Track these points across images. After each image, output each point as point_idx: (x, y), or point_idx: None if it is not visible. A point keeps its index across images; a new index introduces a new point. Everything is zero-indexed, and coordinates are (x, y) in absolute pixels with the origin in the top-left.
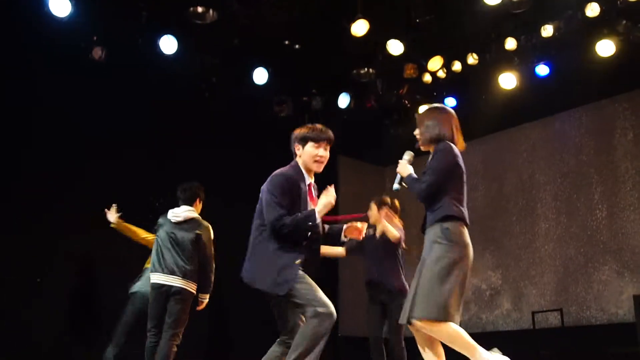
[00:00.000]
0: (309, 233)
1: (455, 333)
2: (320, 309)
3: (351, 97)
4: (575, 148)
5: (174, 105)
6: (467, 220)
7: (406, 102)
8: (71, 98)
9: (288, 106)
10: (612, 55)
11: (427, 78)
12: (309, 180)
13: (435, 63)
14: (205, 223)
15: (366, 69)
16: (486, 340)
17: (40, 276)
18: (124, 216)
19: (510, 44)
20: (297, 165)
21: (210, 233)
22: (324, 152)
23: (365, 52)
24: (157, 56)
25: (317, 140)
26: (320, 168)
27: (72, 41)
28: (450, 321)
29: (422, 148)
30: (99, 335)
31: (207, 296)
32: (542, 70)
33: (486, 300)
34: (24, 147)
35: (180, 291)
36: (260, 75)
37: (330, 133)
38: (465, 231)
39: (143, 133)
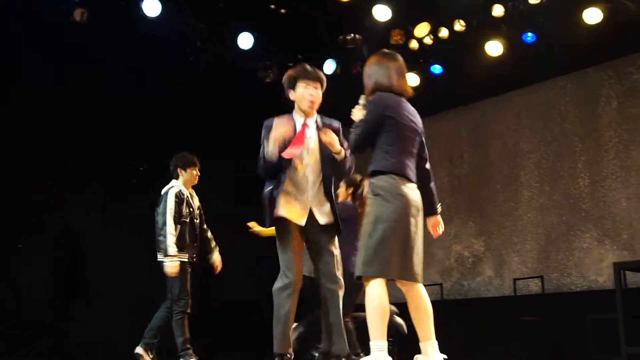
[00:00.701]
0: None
1: (376, 299)
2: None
3: (337, 64)
4: (560, 116)
5: (158, 69)
6: (403, 171)
7: None
8: (52, 61)
9: (273, 72)
10: (598, 23)
11: (414, 44)
12: (301, 119)
13: (422, 29)
14: (165, 190)
15: (352, 35)
16: (468, 306)
17: (24, 245)
18: (107, 178)
19: (498, 10)
20: (292, 111)
21: (163, 198)
22: (314, 92)
23: (352, 17)
24: (141, 19)
25: (305, 79)
26: (312, 109)
27: (52, 2)
28: (376, 276)
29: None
30: (82, 307)
31: (169, 260)
32: (529, 37)
33: (469, 267)
34: (2, 112)
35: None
36: (246, 40)
37: (320, 72)
38: (396, 182)
39: (125, 96)
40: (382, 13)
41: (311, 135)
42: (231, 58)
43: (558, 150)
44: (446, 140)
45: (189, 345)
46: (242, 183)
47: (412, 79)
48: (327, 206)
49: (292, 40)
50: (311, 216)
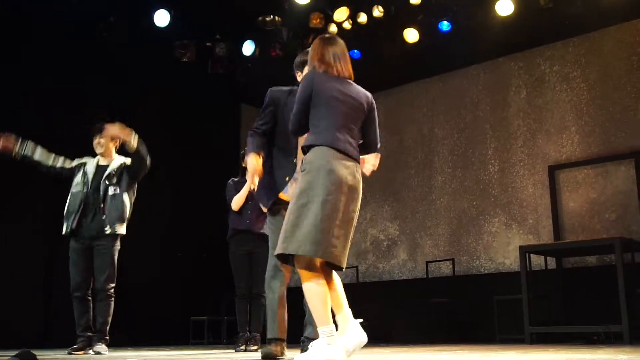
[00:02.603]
0: None
1: (314, 285)
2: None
3: (256, 45)
4: (472, 104)
5: (69, 45)
6: (336, 144)
7: None
8: None
9: (190, 51)
10: (510, 15)
11: (333, 29)
12: None
13: (341, 14)
14: None
15: (272, 17)
16: (382, 288)
17: None
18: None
19: None
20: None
21: None
22: None
23: None
24: None
25: None
26: None
27: None
28: (309, 254)
29: None
30: None
31: None
32: (444, 26)
33: (383, 250)
34: None
35: None
36: (162, 17)
37: None
38: (327, 153)
39: (35, 74)
40: None
41: None
42: (146, 35)
43: (470, 137)
44: None
45: (80, 332)
46: (158, 161)
47: None
48: None
49: (210, 20)
50: None
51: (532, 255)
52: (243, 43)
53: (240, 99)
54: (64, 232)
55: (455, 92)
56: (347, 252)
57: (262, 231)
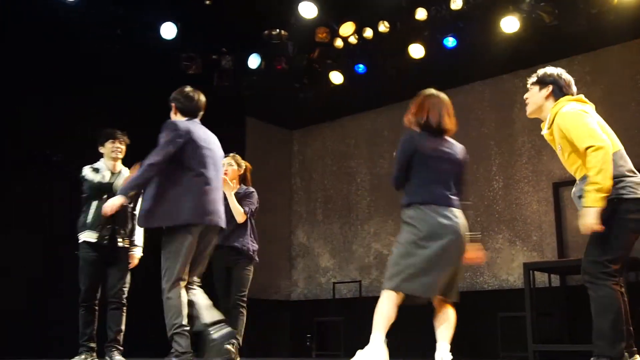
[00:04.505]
0: None
1: (383, 303)
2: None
3: (262, 58)
4: (477, 120)
5: (77, 57)
6: (432, 198)
7: (317, 66)
8: None
9: (197, 64)
10: (515, 32)
11: (339, 43)
12: None
13: (347, 28)
14: None
15: (278, 30)
16: None
17: None
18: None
19: (421, 14)
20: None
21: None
22: None
23: (278, 13)
24: (58, 4)
25: None
26: None
27: None
28: (395, 291)
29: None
30: None
31: None
32: (450, 42)
33: (386, 264)
34: None
35: None
36: (169, 30)
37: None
38: (426, 210)
39: (43, 85)
40: (308, 10)
41: None
42: (153, 48)
43: (475, 154)
44: (367, 139)
45: (84, 342)
46: None
47: (336, 77)
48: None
49: (217, 33)
50: None
51: (536, 272)
52: (249, 56)
53: (246, 112)
54: (95, 240)
55: (460, 108)
56: (449, 282)
57: (234, 244)
